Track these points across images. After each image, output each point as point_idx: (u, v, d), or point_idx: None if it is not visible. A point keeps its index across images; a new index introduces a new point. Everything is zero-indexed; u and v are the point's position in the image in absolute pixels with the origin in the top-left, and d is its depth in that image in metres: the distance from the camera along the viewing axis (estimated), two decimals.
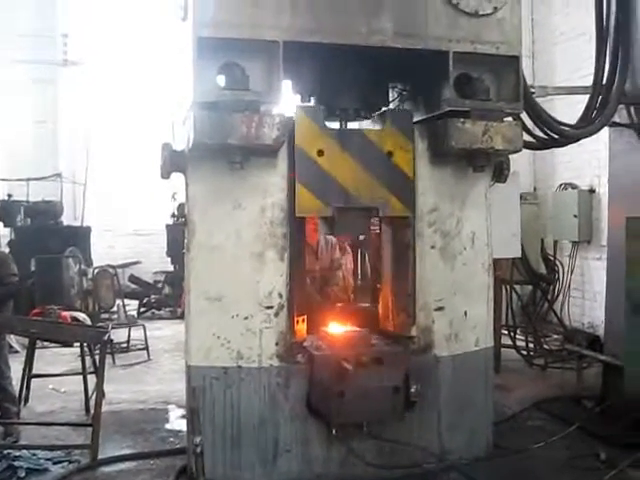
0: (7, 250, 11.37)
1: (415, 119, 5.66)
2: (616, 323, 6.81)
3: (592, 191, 11.26)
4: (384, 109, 5.82)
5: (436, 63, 5.24)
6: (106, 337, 6.35)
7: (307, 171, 5.22)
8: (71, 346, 8.03)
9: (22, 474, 5.54)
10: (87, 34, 15.39)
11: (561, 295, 11.06)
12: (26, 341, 7.49)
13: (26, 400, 7.39)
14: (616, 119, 6.94)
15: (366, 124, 5.78)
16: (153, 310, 14.69)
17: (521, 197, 8.91)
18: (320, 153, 5.23)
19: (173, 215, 14.78)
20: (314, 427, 5.35)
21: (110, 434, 6.43)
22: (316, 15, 4.95)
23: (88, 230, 14.29)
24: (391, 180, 5.38)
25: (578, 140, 6.86)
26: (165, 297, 14.82)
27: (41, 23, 14.88)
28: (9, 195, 13.90)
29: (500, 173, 5.86)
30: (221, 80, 4.90)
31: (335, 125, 5.58)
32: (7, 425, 6.46)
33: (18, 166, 14.19)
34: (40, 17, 14.89)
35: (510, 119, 5.59)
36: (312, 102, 5.82)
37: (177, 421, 6.99)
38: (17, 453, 5.85)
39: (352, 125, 5.76)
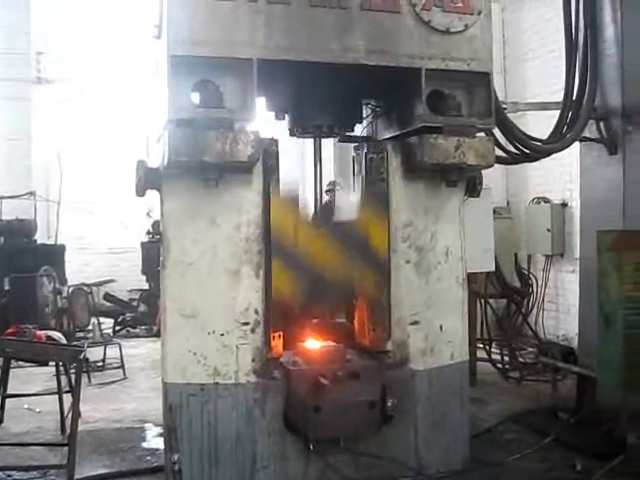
0: None
1: (388, 135, 5.72)
2: (589, 335, 6.89)
3: (564, 205, 11.37)
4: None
5: (409, 80, 5.31)
6: (82, 356, 6.30)
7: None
8: (46, 365, 7.95)
9: None
10: (61, 52, 15.34)
11: (535, 308, 11.13)
12: (0, 360, 7.41)
13: (1, 420, 7.31)
14: (586, 134, 7.06)
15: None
16: (128, 328, 14.57)
17: (494, 211, 8.98)
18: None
19: (148, 232, 14.73)
20: (291, 443, 5.34)
21: (87, 454, 6.37)
22: (290, 33, 5.00)
23: (62, 248, 14.17)
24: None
25: (549, 155, 6.95)
26: (140, 315, 14.71)
27: (15, 41, 14.83)
28: None
29: (473, 188, 5.94)
30: (196, 97, 4.92)
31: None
32: None
33: None
34: (14, 34, 14.84)
35: (482, 134, 5.66)
36: (286, 118, 5.86)
37: (154, 439, 6.95)
38: None
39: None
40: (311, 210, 6.02)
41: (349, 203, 5.87)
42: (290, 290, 5.37)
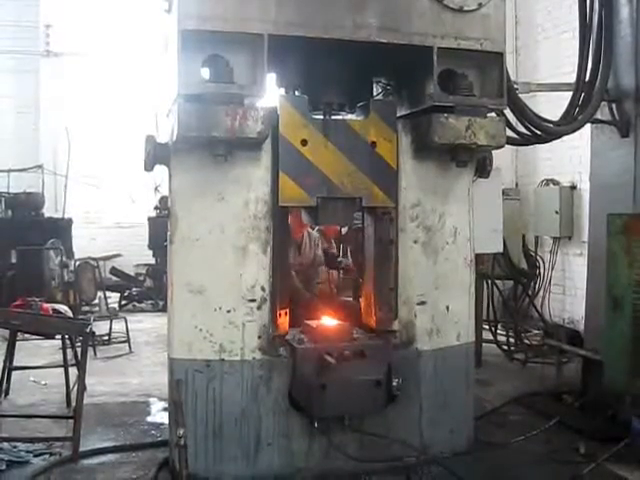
0: None
1: (399, 114, 5.67)
2: (596, 318, 6.87)
3: (573, 187, 11.32)
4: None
5: (420, 58, 5.25)
6: (88, 329, 6.32)
7: (291, 161, 5.21)
8: (52, 338, 7.98)
9: (2, 466, 5.50)
10: (70, 25, 15.28)
11: (542, 290, 11.13)
12: (6, 333, 7.43)
13: (6, 392, 7.34)
14: (598, 116, 7.01)
15: (350, 117, 5.76)
16: (134, 303, 14.64)
17: (503, 193, 8.96)
18: (304, 143, 5.22)
19: (156, 208, 14.74)
20: (296, 420, 5.35)
21: (91, 427, 6.40)
22: (301, 9, 4.94)
23: (69, 222, 14.21)
24: (374, 170, 5.38)
25: (560, 137, 6.90)
26: (147, 290, 14.77)
27: (24, 13, 14.78)
28: None
29: (483, 169, 5.90)
30: (206, 73, 4.89)
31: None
32: None
33: None
34: (23, 7, 14.79)
35: (493, 115, 5.62)
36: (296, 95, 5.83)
37: (159, 414, 6.98)
38: None
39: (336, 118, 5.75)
40: None
41: None
42: None
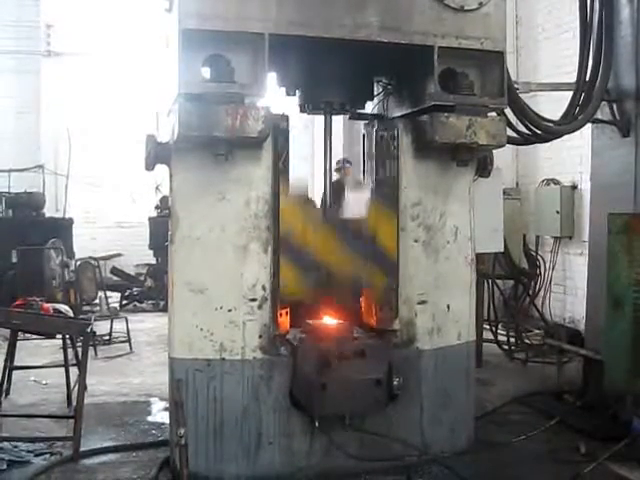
0: None
1: (399, 113, 5.69)
2: (597, 318, 6.86)
3: (574, 187, 11.32)
4: None
5: (421, 58, 5.26)
6: (89, 329, 6.32)
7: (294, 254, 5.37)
8: (53, 338, 7.99)
9: (3, 466, 5.50)
10: (71, 25, 15.28)
11: (542, 290, 11.14)
12: (7, 332, 7.43)
13: (7, 392, 7.34)
14: (599, 116, 7.00)
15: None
16: (135, 302, 14.65)
17: (504, 192, 8.95)
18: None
19: (156, 207, 14.74)
20: (297, 419, 5.36)
21: (92, 426, 6.40)
22: (302, 8, 4.95)
23: (70, 222, 14.22)
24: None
25: (561, 136, 6.90)
26: (147, 289, 14.77)
27: (25, 13, 14.79)
28: None
29: (484, 168, 5.90)
30: (206, 72, 4.89)
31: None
32: None
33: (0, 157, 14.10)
34: (24, 7, 14.80)
35: (494, 114, 5.62)
36: (297, 95, 5.83)
37: (159, 414, 6.98)
38: None
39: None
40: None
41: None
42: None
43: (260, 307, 5.30)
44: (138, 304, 14.64)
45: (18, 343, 7.34)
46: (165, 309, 7.34)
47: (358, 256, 5.59)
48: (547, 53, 12.31)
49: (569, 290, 11.47)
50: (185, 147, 5.10)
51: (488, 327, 9.84)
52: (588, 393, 6.86)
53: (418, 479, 5.27)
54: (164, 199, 13.66)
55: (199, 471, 5.15)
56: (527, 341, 10.04)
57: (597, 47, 6.89)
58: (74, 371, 6.84)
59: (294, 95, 5.89)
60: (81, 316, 10.04)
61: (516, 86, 6.61)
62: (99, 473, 5.47)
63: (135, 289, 14.86)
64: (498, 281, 10.26)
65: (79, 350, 6.88)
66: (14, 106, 14.94)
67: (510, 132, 6.23)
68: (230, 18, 4.79)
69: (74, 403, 6.34)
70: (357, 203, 5.84)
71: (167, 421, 6.03)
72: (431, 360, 5.72)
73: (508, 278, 10.55)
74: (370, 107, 6.43)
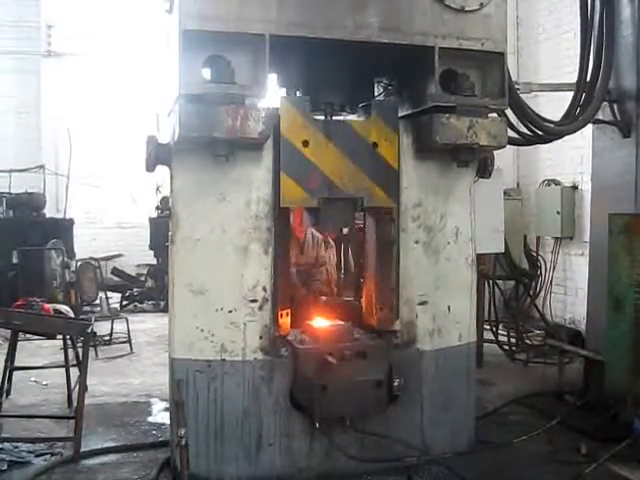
0: None
1: (400, 114, 5.67)
2: (597, 318, 6.87)
3: (575, 188, 11.31)
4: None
5: (421, 58, 5.26)
6: (89, 330, 6.32)
7: (292, 162, 5.21)
8: (54, 339, 7.99)
9: (4, 467, 5.51)
10: (72, 25, 15.27)
11: (543, 290, 11.13)
12: (8, 333, 7.43)
13: (8, 393, 7.34)
14: (599, 116, 7.01)
15: (351, 118, 5.76)
16: (136, 303, 14.64)
17: (504, 193, 8.95)
18: (305, 143, 5.23)
19: (157, 208, 14.74)
20: (297, 421, 5.36)
21: (93, 427, 6.41)
22: (303, 9, 4.95)
23: (71, 222, 14.20)
24: (375, 171, 5.39)
25: (562, 137, 6.90)
26: (148, 290, 14.76)
27: (25, 14, 14.78)
28: None
29: (484, 169, 5.90)
30: (207, 73, 4.89)
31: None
32: None
33: (0, 157, 14.09)
34: (24, 7, 14.78)
35: (495, 115, 5.63)
36: (298, 95, 5.83)
37: (160, 414, 6.99)
38: None
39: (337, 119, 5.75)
40: None
41: None
42: None
43: (261, 308, 5.30)
44: (138, 305, 14.63)
45: (19, 344, 7.34)
46: (165, 310, 7.34)
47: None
48: (548, 54, 12.31)
49: (570, 291, 11.46)
50: (186, 148, 5.10)
51: (489, 328, 9.83)
52: (589, 394, 6.85)
53: None
54: (164, 200, 13.65)
55: (200, 472, 5.15)
56: (528, 342, 10.03)
57: (598, 47, 6.89)
58: (75, 372, 6.84)
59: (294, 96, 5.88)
60: (82, 317, 10.04)
61: (517, 87, 6.62)
62: (99, 474, 5.48)
63: (135, 290, 14.85)
64: (499, 282, 10.27)
65: (80, 351, 6.89)
66: (14, 106, 14.91)
67: (511, 133, 6.23)
68: (231, 19, 4.79)
69: (75, 404, 6.34)
70: None
71: (167, 422, 6.04)
72: (432, 361, 5.72)
73: (509, 279, 10.55)
74: None
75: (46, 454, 5.83)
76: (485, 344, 9.20)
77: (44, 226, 13.54)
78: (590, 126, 7.18)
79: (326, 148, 5.27)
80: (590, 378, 6.96)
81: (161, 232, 11.83)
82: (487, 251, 8.23)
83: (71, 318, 8.67)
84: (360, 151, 5.36)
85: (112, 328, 10.46)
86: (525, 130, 6.67)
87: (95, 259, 12.83)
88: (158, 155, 5.30)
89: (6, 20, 14.50)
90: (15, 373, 7.43)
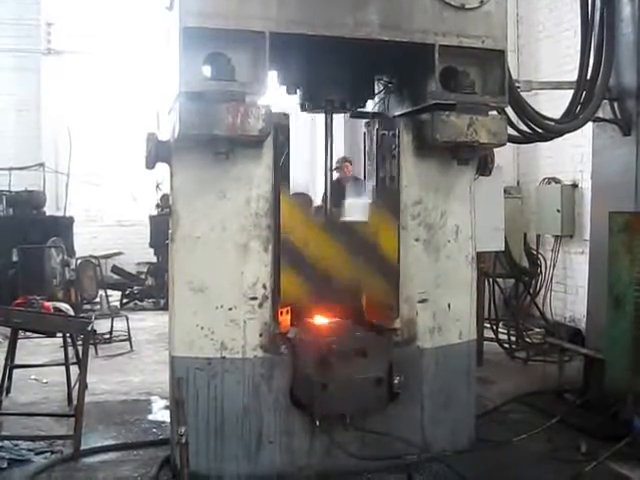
0: None
1: (400, 112, 5.68)
2: (598, 317, 6.86)
3: (575, 186, 11.30)
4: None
5: (422, 56, 5.25)
6: (89, 328, 6.32)
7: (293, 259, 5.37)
8: (54, 337, 7.99)
9: (4, 465, 5.50)
10: (71, 23, 15.26)
11: (543, 289, 11.12)
12: (8, 331, 7.43)
13: (8, 391, 7.34)
14: (600, 114, 7.00)
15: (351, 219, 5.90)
16: (136, 301, 14.65)
17: (505, 191, 8.94)
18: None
19: (157, 206, 14.74)
20: (297, 418, 5.35)
21: (93, 425, 6.41)
22: (303, 6, 4.94)
23: (71, 220, 14.20)
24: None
25: (562, 135, 6.89)
26: (148, 288, 14.77)
27: (25, 11, 14.77)
28: None
29: (485, 166, 5.90)
30: (207, 70, 4.88)
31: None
32: None
33: (0, 155, 14.08)
34: (24, 5, 14.78)
35: (495, 113, 5.61)
36: (298, 93, 5.83)
37: (160, 412, 6.98)
38: None
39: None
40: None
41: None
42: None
43: (261, 306, 5.30)
44: (139, 302, 14.64)
45: (19, 342, 7.34)
46: (165, 307, 7.34)
47: (359, 260, 5.62)
48: (548, 51, 12.30)
49: (570, 289, 11.46)
50: (186, 145, 5.09)
51: (489, 326, 9.83)
52: (589, 392, 6.85)
53: (419, 478, 5.26)
54: (165, 197, 13.65)
55: (200, 470, 5.15)
56: (528, 340, 10.04)
57: (598, 45, 6.89)
58: (75, 370, 6.84)
59: (295, 93, 5.88)
60: (82, 315, 10.04)
61: (517, 84, 6.61)
62: (99, 472, 5.47)
63: (136, 287, 14.86)
64: (499, 280, 10.26)
65: (80, 349, 6.89)
66: (14, 104, 14.90)
67: (511, 131, 6.21)
68: (231, 16, 4.78)
69: (74, 402, 6.33)
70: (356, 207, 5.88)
71: (167, 420, 6.03)
72: (432, 359, 5.72)
73: (509, 277, 10.54)
74: (371, 106, 6.42)
75: (46, 452, 5.82)
76: (485, 342, 9.20)
77: (44, 224, 13.53)
78: (590, 124, 7.17)
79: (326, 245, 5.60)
80: (590, 376, 6.96)
81: (161, 230, 11.83)
82: (487, 249, 8.23)
83: (71, 316, 8.67)
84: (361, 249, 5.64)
85: (112, 326, 10.46)
86: (525, 128, 6.67)
87: (95, 257, 12.81)
88: (158, 153, 5.29)
89: (6, 18, 14.50)
90: (15, 371, 7.42)
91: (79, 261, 12.55)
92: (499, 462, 5.64)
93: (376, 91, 6.28)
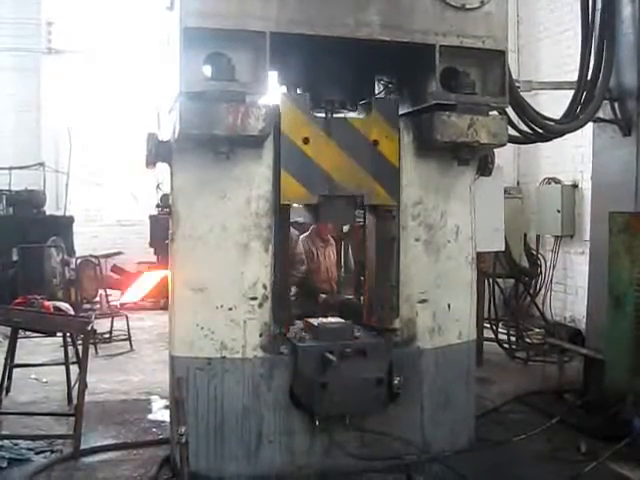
0: None
1: (401, 112, 5.67)
2: (598, 317, 6.87)
3: (575, 186, 11.31)
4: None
5: (422, 56, 5.25)
6: (89, 327, 6.32)
7: (292, 159, 5.21)
8: (53, 336, 7.99)
9: (4, 464, 5.51)
10: (72, 22, 15.25)
11: (543, 289, 11.14)
12: (8, 330, 7.43)
13: (7, 390, 7.34)
14: (600, 115, 7.00)
15: (352, 115, 5.75)
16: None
17: (505, 191, 8.94)
18: (305, 141, 5.22)
19: (157, 205, 14.73)
20: (297, 418, 5.35)
21: (92, 424, 6.41)
22: (303, 6, 4.94)
23: (71, 220, 14.21)
24: (376, 169, 5.39)
25: (562, 135, 6.89)
26: None
27: (25, 11, 14.77)
28: None
29: (485, 167, 5.90)
30: (207, 70, 4.88)
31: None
32: None
33: (0, 155, 14.08)
34: (24, 4, 14.77)
35: (495, 113, 5.61)
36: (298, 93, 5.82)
37: (160, 412, 6.99)
38: None
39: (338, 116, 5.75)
40: None
41: None
42: None
43: (261, 306, 5.30)
44: (138, 302, 14.63)
45: (18, 341, 7.34)
46: (165, 307, 7.33)
47: None
48: (548, 52, 12.31)
49: (570, 289, 11.47)
50: (186, 145, 5.09)
51: (489, 326, 9.83)
52: (589, 392, 6.85)
53: (418, 478, 5.25)
54: (165, 197, 13.63)
55: (199, 469, 5.15)
56: (528, 340, 10.05)
57: (599, 46, 6.90)
58: (74, 369, 6.84)
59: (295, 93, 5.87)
60: (81, 314, 10.03)
61: (517, 85, 6.61)
62: (99, 471, 5.48)
63: None
64: (499, 280, 10.26)
65: (79, 348, 6.88)
66: (14, 104, 14.89)
67: (511, 131, 6.21)
68: (231, 16, 4.78)
69: (74, 401, 6.33)
70: None
71: (167, 419, 6.04)
72: (432, 359, 5.72)
73: (509, 277, 10.54)
74: None
75: (46, 451, 5.83)
76: (485, 342, 9.20)
77: (44, 224, 13.54)
78: (590, 124, 7.18)
79: (326, 145, 5.27)
80: (590, 377, 6.96)
81: (161, 230, 11.82)
82: (487, 249, 8.22)
83: (71, 315, 8.68)
84: (361, 149, 5.36)
85: (112, 326, 10.47)
86: (525, 128, 6.67)
87: (95, 256, 12.80)
88: (158, 152, 5.29)
89: (6, 17, 14.50)
90: (15, 370, 7.43)
91: (79, 261, 12.55)
92: (499, 462, 5.64)
93: (376, 91, 6.28)
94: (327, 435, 5.33)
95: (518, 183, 13.06)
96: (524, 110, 6.49)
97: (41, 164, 14.62)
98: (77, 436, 5.81)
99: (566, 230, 11.28)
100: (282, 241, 5.42)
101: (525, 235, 11.10)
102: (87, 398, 6.20)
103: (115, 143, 15.35)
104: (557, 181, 11.67)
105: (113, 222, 15.82)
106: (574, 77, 7.01)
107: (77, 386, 6.26)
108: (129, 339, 10.21)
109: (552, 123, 6.74)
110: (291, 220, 5.83)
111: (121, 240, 15.67)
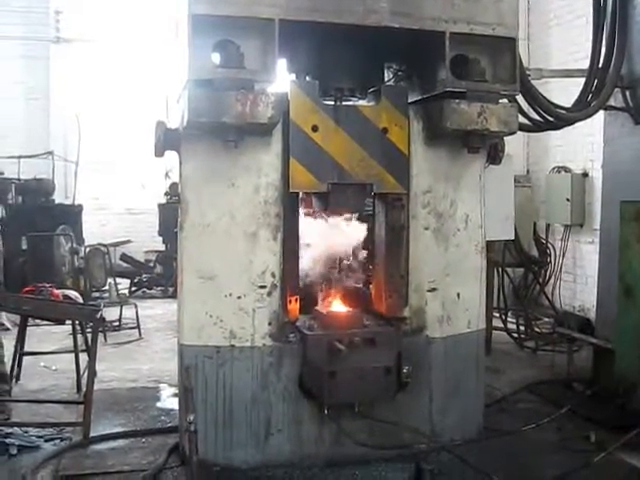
0: None
1: (410, 100, 5.63)
2: (607, 306, 6.85)
3: (585, 175, 11.27)
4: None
5: (432, 44, 5.20)
6: (98, 315, 6.34)
7: (301, 146, 5.17)
8: (63, 324, 8.02)
9: (14, 451, 5.55)
10: (80, 11, 15.24)
11: (553, 278, 11.12)
12: (18, 319, 7.46)
13: (17, 378, 7.39)
14: (611, 103, 6.95)
15: (361, 103, 5.72)
16: (144, 289, 14.69)
17: (515, 180, 8.91)
18: (314, 128, 5.20)
19: (166, 194, 14.75)
20: (306, 407, 5.34)
21: (102, 412, 6.43)
22: None
23: (80, 208, 14.24)
24: (385, 157, 5.35)
25: (573, 123, 6.85)
26: (156, 276, 14.81)
27: (34, 0, 14.77)
28: (0, 173, 13.83)
29: (495, 155, 5.86)
30: (216, 58, 4.85)
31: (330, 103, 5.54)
32: None
33: (9, 143, 14.12)
34: None
35: (506, 101, 5.57)
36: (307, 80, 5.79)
37: (169, 400, 7.00)
38: (9, 430, 5.86)
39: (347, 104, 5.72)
40: None
41: None
42: None
43: (269, 294, 5.29)
44: (147, 291, 14.69)
45: (28, 329, 7.37)
46: (174, 296, 7.35)
47: None
48: (559, 39, 12.26)
49: (579, 278, 11.45)
50: (195, 133, 5.07)
51: (498, 315, 9.82)
52: (598, 382, 6.84)
53: (427, 467, 5.24)
54: (174, 185, 13.65)
55: (208, 457, 5.14)
56: (537, 329, 10.03)
57: (610, 33, 6.84)
58: (84, 357, 6.87)
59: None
60: (90, 302, 10.06)
61: (528, 72, 6.56)
62: (108, 459, 5.49)
63: (144, 275, 14.89)
64: (508, 269, 10.23)
65: (89, 336, 6.91)
66: (23, 92, 14.93)
67: (521, 119, 6.18)
68: (240, 3, 4.74)
69: (84, 389, 6.37)
70: None
71: (176, 407, 6.04)
72: (441, 348, 5.69)
73: (518, 266, 10.52)
74: None
75: (55, 439, 5.86)
76: (494, 332, 9.19)
77: (53, 212, 13.58)
78: (601, 113, 7.13)
79: (336, 133, 5.24)
80: (599, 366, 6.95)
81: (170, 218, 11.86)
82: (497, 238, 8.21)
83: (80, 304, 8.70)
84: (370, 136, 5.32)
85: (121, 314, 10.51)
86: (536, 116, 6.63)
87: (104, 245, 12.83)
88: (167, 140, 5.27)
89: (15, 6, 14.52)
90: (25, 358, 7.47)
91: (88, 249, 12.58)
92: (508, 451, 5.64)
93: (386, 79, 6.24)
94: (336, 424, 5.31)
95: (528, 172, 13.03)
96: (535, 98, 6.45)
97: (50, 153, 14.63)
98: (86, 424, 5.84)
99: (576, 219, 11.25)
100: (291, 229, 5.40)
101: (535, 224, 11.07)
102: (96, 386, 6.23)
103: (124, 131, 15.36)
104: (567, 170, 11.63)
105: (122, 210, 15.85)
106: (585, 65, 6.96)
107: (86, 374, 6.28)
108: (138, 327, 10.25)
109: (562, 111, 6.70)
110: None
111: (130, 228, 15.71)
